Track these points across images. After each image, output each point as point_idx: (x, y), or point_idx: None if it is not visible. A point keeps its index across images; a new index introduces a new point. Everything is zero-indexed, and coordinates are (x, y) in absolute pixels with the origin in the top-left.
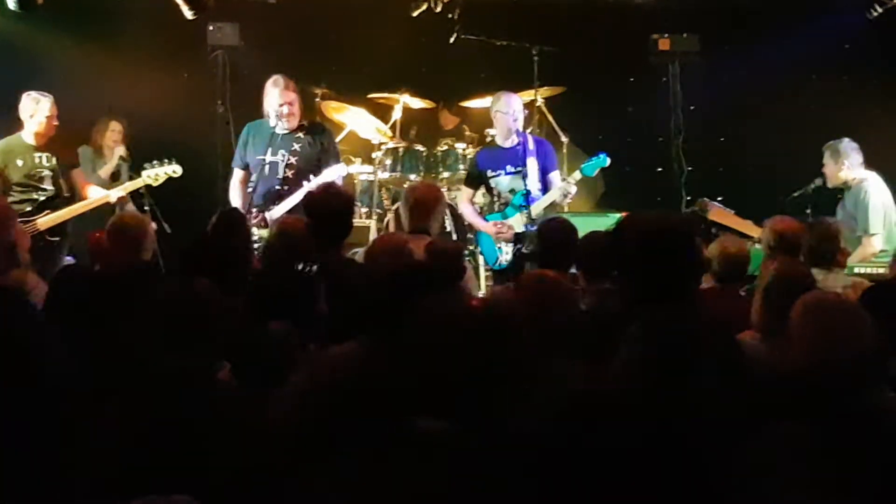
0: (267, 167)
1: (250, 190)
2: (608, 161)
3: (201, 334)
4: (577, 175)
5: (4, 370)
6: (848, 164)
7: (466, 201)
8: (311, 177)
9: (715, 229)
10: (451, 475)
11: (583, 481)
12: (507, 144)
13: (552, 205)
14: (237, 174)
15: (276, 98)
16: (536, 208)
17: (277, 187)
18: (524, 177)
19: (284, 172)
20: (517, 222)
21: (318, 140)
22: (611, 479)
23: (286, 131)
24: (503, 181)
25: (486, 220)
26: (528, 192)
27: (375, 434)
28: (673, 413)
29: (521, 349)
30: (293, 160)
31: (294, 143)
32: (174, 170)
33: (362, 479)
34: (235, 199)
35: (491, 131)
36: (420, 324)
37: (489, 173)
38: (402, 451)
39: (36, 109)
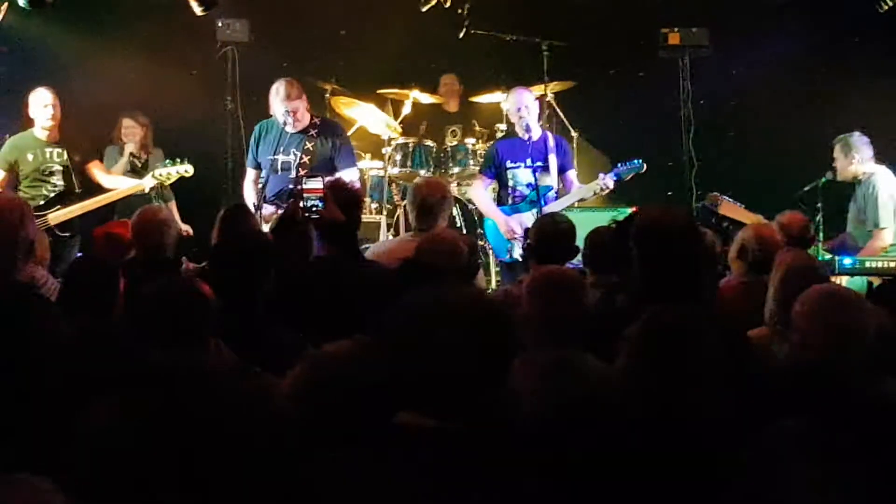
0: (279, 165)
1: (261, 187)
2: (644, 167)
3: (194, 329)
4: (611, 180)
5: (18, 365)
6: (859, 158)
7: (482, 189)
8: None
9: (726, 223)
10: (441, 473)
11: (579, 483)
12: (527, 137)
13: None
14: (250, 174)
15: (278, 107)
16: (558, 206)
17: (291, 186)
18: (535, 172)
19: (297, 171)
20: (529, 218)
21: (331, 139)
22: (609, 480)
23: (297, 130)
24: (521, 174)
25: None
26: (549, 188)
27: (368, 431)
28: (673, 415)
29: (511, 341)
30: (306, 159)
31: (307, 142)
32: (186, 169)
33: (355, 477)
34: (249, 198)
35: (501, 126)
36: (406, 316)
37: (508, 164)
38: (390, 449)
39: (38, 104)
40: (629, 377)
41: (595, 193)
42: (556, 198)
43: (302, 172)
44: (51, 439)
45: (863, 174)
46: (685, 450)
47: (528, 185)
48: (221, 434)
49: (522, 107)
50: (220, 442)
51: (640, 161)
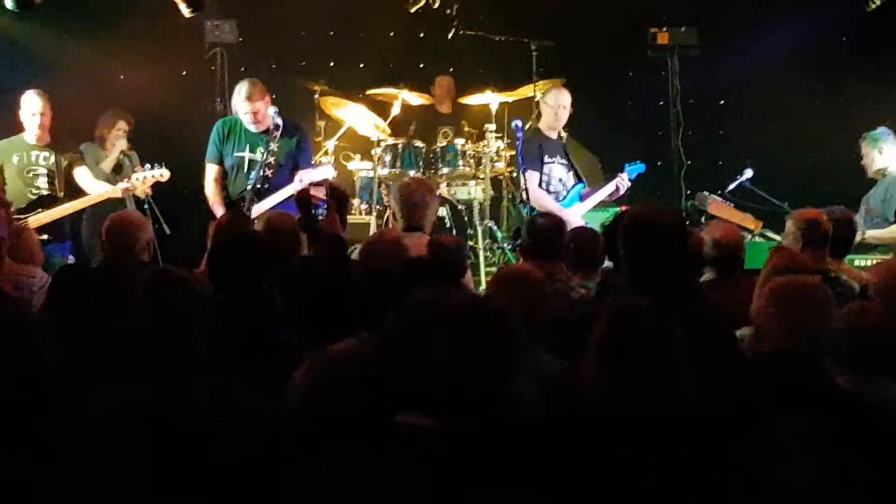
0: (246, 164)
1: (230, 188)
2: (645, 168)
3: (184, 322)
4: (628, 179)
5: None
6: (887, 152)
7: (537, 186)
8: (290, 174)
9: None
10: (439, 471)
11: (563, 480)
12: (554, 136)
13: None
14: (212, 170)
15: (240, 107)
16: (592, 202)
17: (259, 185)
18: (569, 170)
19: (264, 171)
20: (575, 213)
21: (294, 138)
22: (589, 476)
23: (260, 131)
24: (556, 169)
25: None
26: (584, 184)
27: (369, 430)
28: (639, 411)
29: (513, 343)
30: (272, 159)
31: (271, 142)
32: (161, 174)
33: (358, 476)
34: (213, 199)
35: (490, 126)
36: (406, 317)
37: (546, 158)
38: (390, 448)
39: (26, 111)
40: (597, 375)
41: (617, 188)
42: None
43: (269, 172)
44: (43, 438)
45: (887, 169)
46: (659, 445)
47: (560, 181)
48: (223, 432)
49: (561, 107)
50: (223, 440)
51: (642, 164)
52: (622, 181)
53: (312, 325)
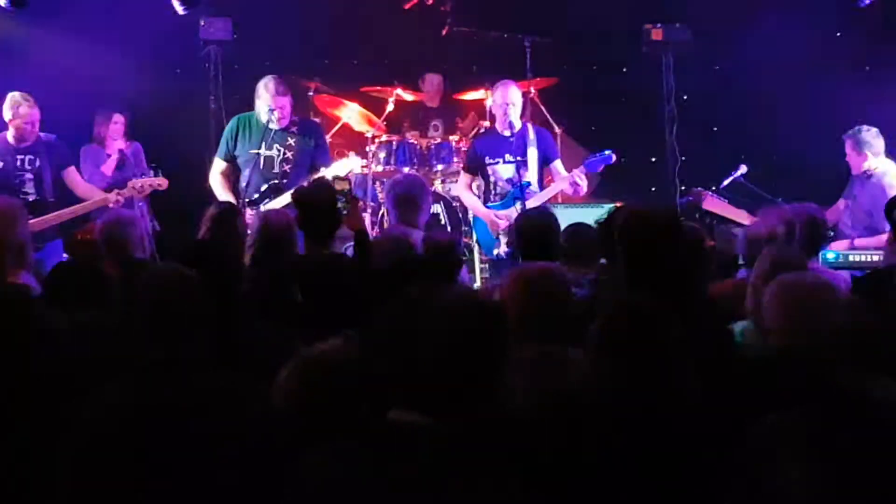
0: (262, 161)
1: (245, 184)
2: (613, 158)
3: (188, 321)
4: (581, 173)
5: (11, 365)
6: (872, 153)
7: (466, 188)
8: (307, 173)
9: (709, 219)
10: (428, 468)
11: (559, 478)
12: (507, 133)
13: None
14: (219, 165)
15: (266, 102)
16: (538, 200)
17: (275, 181)
18: (520, 167)
19: (281, 167)
20: (514, 214)
21: (311, 137)
22: (586, 475)
23: (279, 127)
24: (501, 170)
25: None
26: (528, 184)
27: (358, 428)
28: (638, 410)
29: (504, 340)
30: (289, 154)
31: (289, 138)
32: (159, 183)
33: (350, 474)
34: (219, 190)
35: (485, 123)
36: (398, 314)
37: (487, 160)
38: (380, 444)
39: (11, 112)
40: (596, 371)
41: (573, 186)
42: (533, 193)
43: (286, 167)
44: (51, 429)
45: (875, 170)
46: (658, 442)
47: (509, 181)
48: (212, 429)
49: (510, 103)
50: (224, 439)
51: (609, 152)
52: (575, 177)
53: (309, 322)
